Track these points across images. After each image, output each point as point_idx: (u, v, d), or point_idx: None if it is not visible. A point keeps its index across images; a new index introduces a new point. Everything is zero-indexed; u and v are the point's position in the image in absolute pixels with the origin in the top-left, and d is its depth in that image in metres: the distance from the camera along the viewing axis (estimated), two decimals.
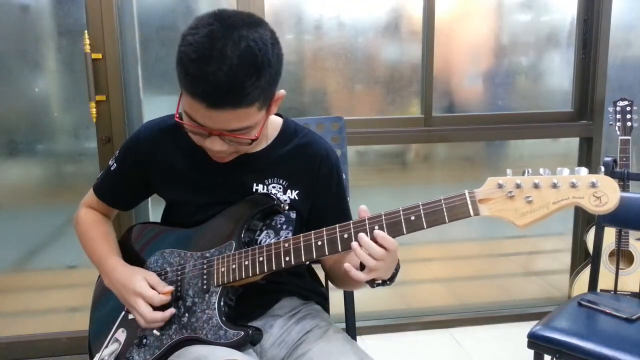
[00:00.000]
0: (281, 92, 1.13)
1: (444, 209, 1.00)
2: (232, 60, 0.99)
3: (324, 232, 1.09)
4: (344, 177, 1.38)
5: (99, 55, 2.32)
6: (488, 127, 2.71)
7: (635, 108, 2.50)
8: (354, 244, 1.05)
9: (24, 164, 2.43)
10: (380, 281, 1.13)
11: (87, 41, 2.28)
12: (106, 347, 1.26)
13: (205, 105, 1.02)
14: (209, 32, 1.01)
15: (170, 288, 1.21)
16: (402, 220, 1.03)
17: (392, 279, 1.14)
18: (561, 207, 0.94)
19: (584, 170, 0.94)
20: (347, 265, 1.06)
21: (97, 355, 1.25)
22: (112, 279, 1.26)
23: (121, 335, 1.26)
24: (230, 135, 1.08)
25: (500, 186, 0.96)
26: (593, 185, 0.91)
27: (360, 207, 1.09)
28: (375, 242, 1.04)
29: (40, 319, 2.53)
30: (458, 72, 2.73)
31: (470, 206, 0.98)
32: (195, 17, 1.06)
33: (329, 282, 1.43)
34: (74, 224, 1.39)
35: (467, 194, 0.99)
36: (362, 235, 1.05)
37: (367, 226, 1.05)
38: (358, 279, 1.06)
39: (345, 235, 1.07)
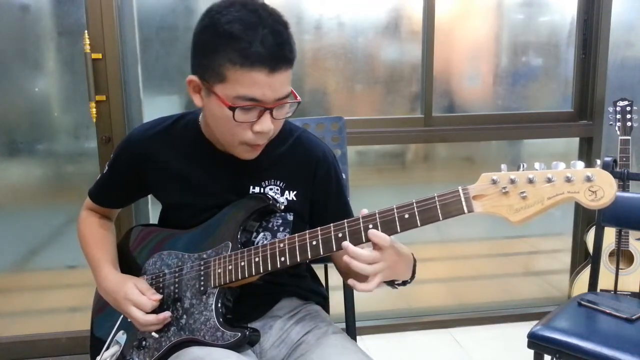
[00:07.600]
0: None
1: (438, 206, 0.99)
2: (271, 23, 1.06)
3: (319, 232, 1.09)
4: (343, 176, 1.37)
5: (99, 55, 2.32)
6: (488, 127, 2.71)
7: (635, 108, 2.49)
8: (346, 257, 1.03)
9: (24, 164, 2.43)
10: (400, 281, 1.14)
11: (87, 41, 2.29)
12: (107, 349, 1.27)
13: (267, 71, 1.05)
14: (240, 7, 1.07)
15: (159, 296, 1.21)
16: (396, 219, 1.02)
17: (412, 276, 1.15)
18: (556, 203, 0.92)
19: (579, 164, 0.91)
20: (350, 281, 1.05)
21: (98, 357, 1.26)
22: (104, 289, 1.27)
23: (121, 337, 1.27)
24: (282, 102, 1.10)
25: (494, 182, 0.95)
26: (588, 179, 0.89)
27: (362, 211, 1.07)
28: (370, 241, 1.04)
29: (40, 319, 2.53)
30: (458, 72, 2.73)
31: (464, 203, 0.97)
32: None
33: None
34: (77, 226, 1.40)
35: (460, 191, 0.98)
36: (346, 244, 1.03)
37: (362, 225, 1.05)
38: (367, 290, 1.04)
39: (340, 235, 1.06)
